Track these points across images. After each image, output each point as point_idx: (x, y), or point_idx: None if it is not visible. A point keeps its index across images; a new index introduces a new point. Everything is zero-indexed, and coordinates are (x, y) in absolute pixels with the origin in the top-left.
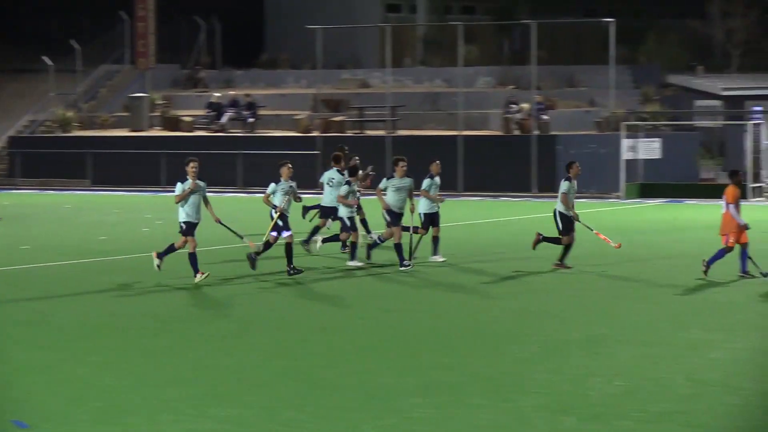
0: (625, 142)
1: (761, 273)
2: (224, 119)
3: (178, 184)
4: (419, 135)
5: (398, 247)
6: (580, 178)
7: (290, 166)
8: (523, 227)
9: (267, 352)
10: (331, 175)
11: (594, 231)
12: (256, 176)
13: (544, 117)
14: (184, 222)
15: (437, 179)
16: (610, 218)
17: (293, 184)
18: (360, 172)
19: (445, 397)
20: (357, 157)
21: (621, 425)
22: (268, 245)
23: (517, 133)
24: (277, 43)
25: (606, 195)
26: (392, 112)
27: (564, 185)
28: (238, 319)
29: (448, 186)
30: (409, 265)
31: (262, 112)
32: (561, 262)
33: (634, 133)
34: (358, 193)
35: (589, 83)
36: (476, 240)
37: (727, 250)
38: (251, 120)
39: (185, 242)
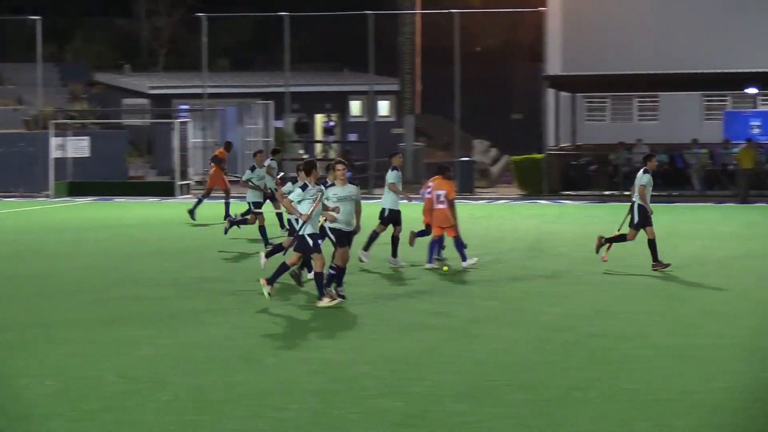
0: (54, 141)
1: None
2: None
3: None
4: None
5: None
6: (9, 178)
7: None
8: None
9: None
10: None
11: None
12: None
13: None
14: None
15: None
16: (40, 217)
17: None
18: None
19: None
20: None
21: (51, 425)
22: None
23: None
24: None
25: (35, 194)
26: None
27: (644, 178)
28: None
29: None
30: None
31: None
32: (657, 262)
33: (62, 131)
34: None
35: (17, 81)
36: None
37: (457, 240)
38: None
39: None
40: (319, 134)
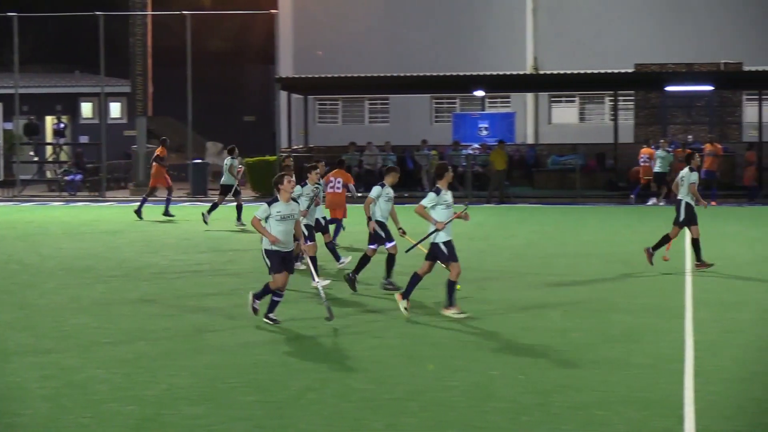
0: None
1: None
2: None
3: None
4: None
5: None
6: None
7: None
8: None
9: None
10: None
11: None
12: None
13: None
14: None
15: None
16: None
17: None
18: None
19: None
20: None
21: None
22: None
23: None
24: None
25: None
26: None
27: (692, 176)
28: None
29: None
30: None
31: None
32: (701, 261)
33: None
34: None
35: None
36: None
37: None
38: None
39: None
40: (49, 136)
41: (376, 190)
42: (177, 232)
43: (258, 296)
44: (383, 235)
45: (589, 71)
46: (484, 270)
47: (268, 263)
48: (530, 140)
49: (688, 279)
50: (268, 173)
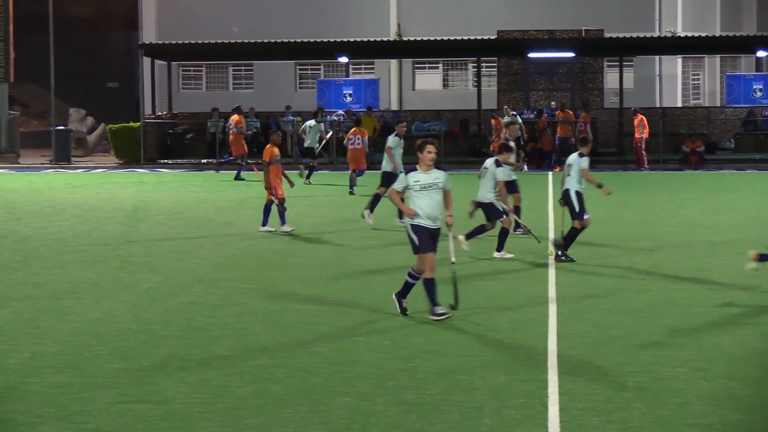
0: None
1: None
2: None
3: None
4: None
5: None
6: None
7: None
8: None
9: None
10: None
11: None
12: None
13: None
14: None
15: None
16: None
17: None
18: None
19: None
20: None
21: None
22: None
23: None
24: None
25: None
26: None
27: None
28: None
29: None
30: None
31: None
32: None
33: None
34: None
35: None
36: None
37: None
38: None
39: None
40: None
41: (586, 160)
42: (40, 200)
43: (403, 294)
44: (577, 208)
45: (452, 38)
46: (351, 237)
47: (416, 240)
48: (394, 106)
49: (551, 246)
50: (132, 140)
